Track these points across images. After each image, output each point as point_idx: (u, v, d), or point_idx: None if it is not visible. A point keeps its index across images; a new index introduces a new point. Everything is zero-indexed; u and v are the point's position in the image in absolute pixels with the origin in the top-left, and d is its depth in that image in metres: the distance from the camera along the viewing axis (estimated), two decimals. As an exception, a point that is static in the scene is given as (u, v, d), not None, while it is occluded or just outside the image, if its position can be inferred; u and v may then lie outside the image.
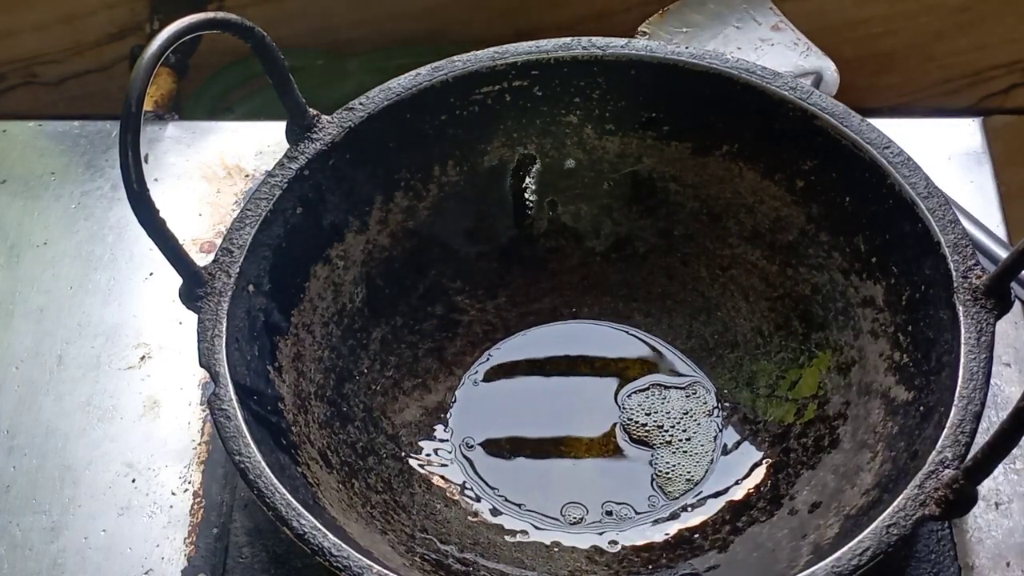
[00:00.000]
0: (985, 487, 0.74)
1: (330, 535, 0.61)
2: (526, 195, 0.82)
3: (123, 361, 0.81)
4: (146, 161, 0.87)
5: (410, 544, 0.69)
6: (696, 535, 0.72)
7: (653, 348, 0.81)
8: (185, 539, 0.73)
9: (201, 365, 0.66)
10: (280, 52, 0.70)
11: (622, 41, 0.77)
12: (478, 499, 0.75)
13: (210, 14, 0.67)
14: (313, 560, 0.61)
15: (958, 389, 0.63)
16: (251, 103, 1.10)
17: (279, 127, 0.74)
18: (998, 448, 0.57)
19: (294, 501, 0.62)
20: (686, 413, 0.78)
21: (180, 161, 0.90)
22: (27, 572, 0.72)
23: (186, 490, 0.75)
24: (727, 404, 0.78)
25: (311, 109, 0.74)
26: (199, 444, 0.77)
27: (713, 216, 0.80)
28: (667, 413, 0.78)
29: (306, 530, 0.61)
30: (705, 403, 0.79)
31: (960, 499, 0.60)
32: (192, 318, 0.68)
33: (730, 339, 0.79)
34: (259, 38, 0.69)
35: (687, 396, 0.79)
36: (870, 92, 1.09)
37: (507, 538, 0.73)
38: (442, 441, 0.78)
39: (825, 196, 0.75)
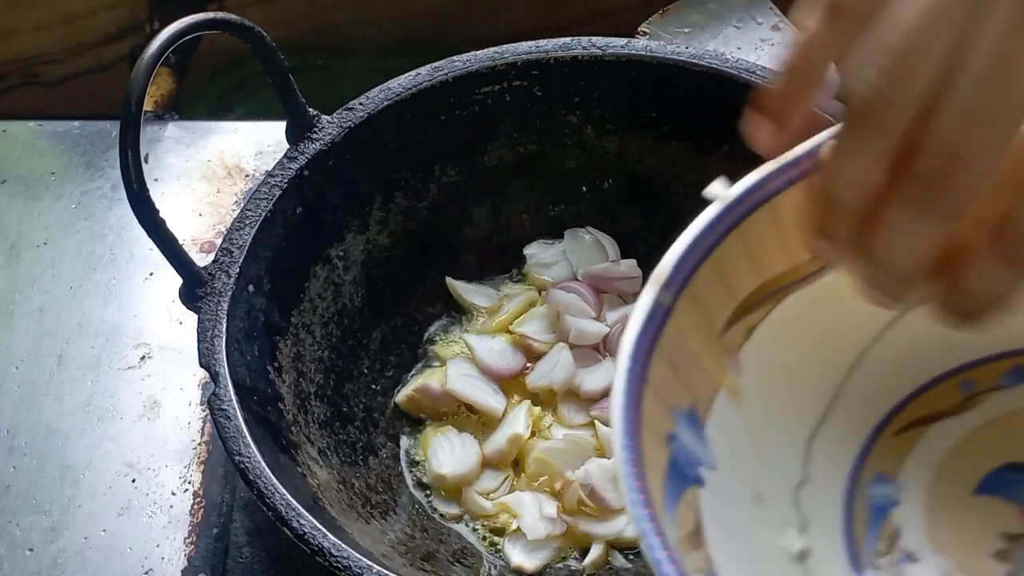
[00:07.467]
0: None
1: (330, 535, 0.61)
2: (526, 195, 0.82)
3: (123, 361, 0.81)
4: (146, 161, 0.87)
5: (410, 544, 0.69)
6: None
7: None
8: (185, 539, 0.73)
9: (201, 365, 0.66)
10: (280, 52, 0.70)
11: (622, 41, 0.77)
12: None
13: (210, 14, 0.67)
14: (313, 560, 0.61)
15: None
16: (251, 103, 1.10)
17: (279, 127, 0.74)
18: None
19: (294, 501, 0.62)
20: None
21: (180, 161, 0.90)
22: (27, 572, 0.72)
23: (186, 490, 0.75)
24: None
25: (311, 109, 0.74)
26: (199, 444, 0.77)
27: (713, 216, 0.80)
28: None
29: (306, 530, 0.61)
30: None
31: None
32: (192, 318, 0.68)
33: (730, 339, 0.79)
34: (259, 38, 0.69)
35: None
36: (870, 92, 1.08)
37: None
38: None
39: (825, 196, 0.75)
